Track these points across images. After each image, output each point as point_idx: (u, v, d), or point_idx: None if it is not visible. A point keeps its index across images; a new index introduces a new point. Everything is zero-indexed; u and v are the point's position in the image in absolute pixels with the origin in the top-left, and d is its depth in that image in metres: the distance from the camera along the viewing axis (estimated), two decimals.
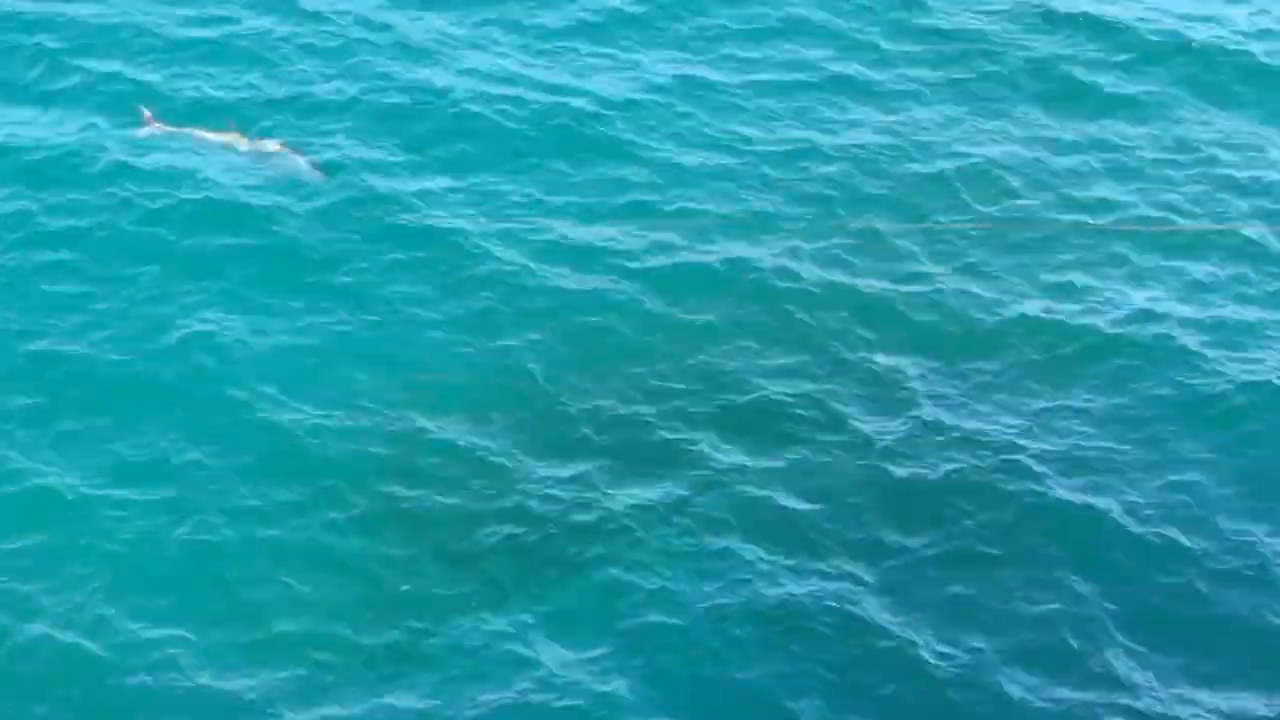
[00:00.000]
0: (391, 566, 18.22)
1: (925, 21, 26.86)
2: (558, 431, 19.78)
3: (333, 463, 19.18)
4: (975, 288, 22.01)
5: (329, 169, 23.00)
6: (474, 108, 24.40)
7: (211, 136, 23.32)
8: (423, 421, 19.76)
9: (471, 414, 19.91)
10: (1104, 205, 23.40)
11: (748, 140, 24.24)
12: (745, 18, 26.74)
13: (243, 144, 23.24)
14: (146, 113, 23.69)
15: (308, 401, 19.90)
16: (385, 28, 26.12)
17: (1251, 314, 21.83)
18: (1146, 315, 21.67)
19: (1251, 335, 21.50)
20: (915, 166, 23.92)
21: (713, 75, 25.50)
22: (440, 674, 17.24)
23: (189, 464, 19.07)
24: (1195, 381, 20.73)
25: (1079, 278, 22.25)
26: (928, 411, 20.24)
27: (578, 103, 24.60)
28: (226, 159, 23.17)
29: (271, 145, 23.23)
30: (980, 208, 23.23)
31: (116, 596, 17.68)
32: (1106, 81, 25.74)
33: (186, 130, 23.50)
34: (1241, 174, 24.00)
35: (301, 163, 23.02)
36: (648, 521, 18.74)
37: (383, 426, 19.69)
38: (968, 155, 24.17)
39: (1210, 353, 21.12)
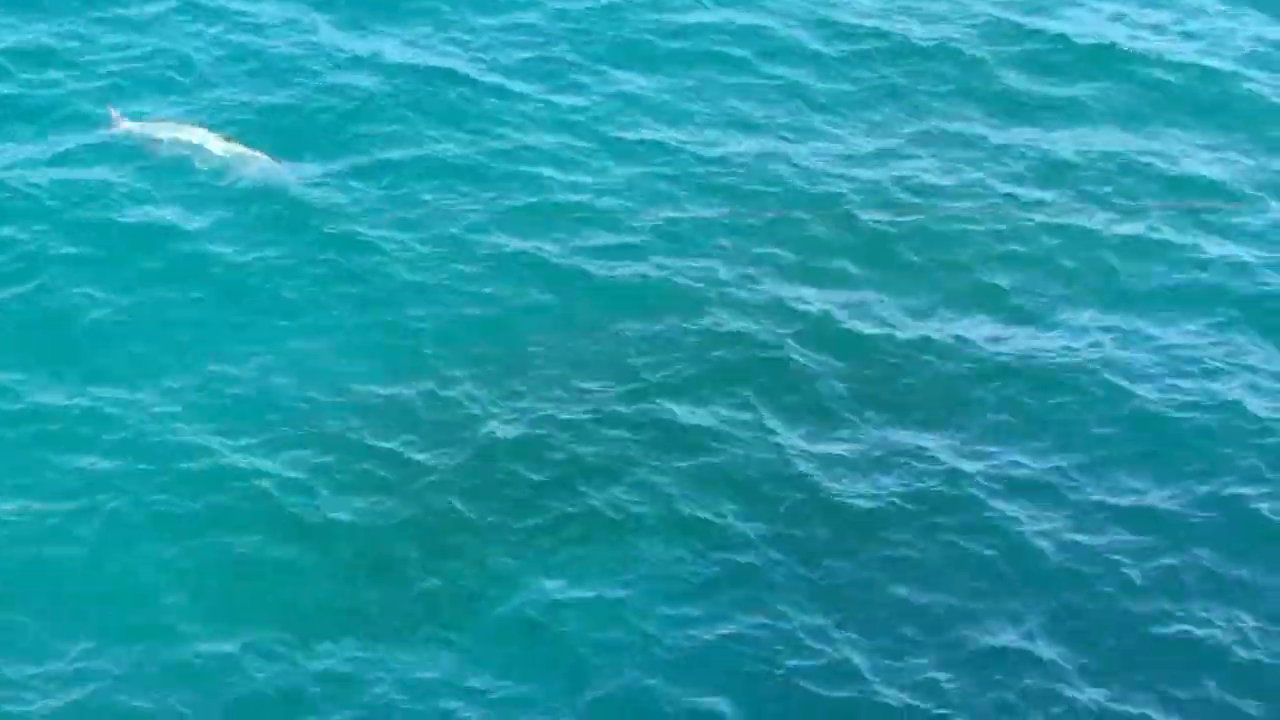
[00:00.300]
0: (300, 579, 17.95)
1: (852, 21, 26.80)
2: (476, 437, 19.57)
3: (239, 470, 18.95)
4: (907, 294, 21.96)
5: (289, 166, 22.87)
6: (391, 107, 24.27)
7: (181, 135, 22.96)
8: (335, 428, 19.56)
9: (387, 420, 19.72)
10: (1036, 203, 23.44)
11: (673, 142, 24.13)
12: (669, 19, 26.58)
13: (211, 143, 22.84)
14: (114, 112, 23.34)
15: (214, 407, 19.66)
16: (297, 22, 26.03)
17: (1184, 322, 21.78)
18: (1075, 321, 21.72)
19: (1184, 342, 21.47)
20: (841, 167, 23.88)
21: (636, 77, 25.45)
22: (355, 691, 17.00)
23: (90, 475, 18.82)
24: (1132, 392, 20.63)
25: (1011, 283, 22.20)
26: (857, 423, 20.11)
27: (497, 103, 24.50)
28: (156, 156, 22.92)
29: (239, 147, 22.86)
30: (910, 204, 23.20)
31: (10, 612, 17.42)
32: (1034, 83, 25.80)
33: (153, 129, 23.16)
34: (1164, 169, 24.16)
35: (268, 162, 22.73)
36: (568, 531, 18.61)
37: (293, 433, 19.46)
38: (897, 155, 24.19)
39: (1144, 360, 21.13)
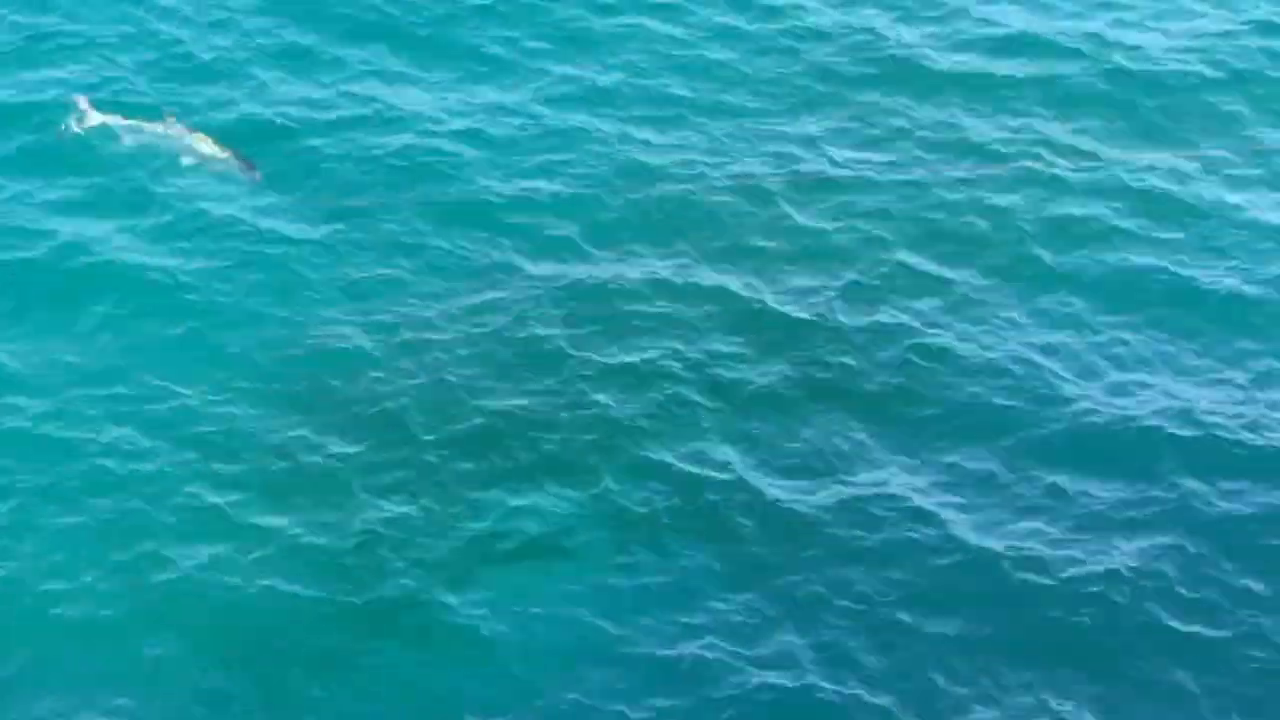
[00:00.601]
0: (228, 579, 17.77)
1: (776, 2, 26.78)
2: (406, 435, 19.45)
3: (141, 473, 18.76)
4: (834, 276, 21.89)
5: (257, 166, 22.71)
6: (318, 100, 24.16)
7: (147, 127, 22.78)
8: (241, 421, 19.41)
9: (316, 418, 19.59)
10: (960, 181, 23.48)
11: (596, 123, 24.05)
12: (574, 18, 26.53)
13: (175, 136, 22.65)
14: (81, 99, 23.04)
15: (119, 409, 19.41)
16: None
17: (1114, 306, 21.76)
18: (1003, 303, 21.74)
19: (1114, 332, 21.41)
20: (766, 148, 23.85)
21: (558, 51, 25.42)
22: (284, 690, 16.91)
23: (9, 480, 18.61)
24: (1062, 377, 20.66)
25: (939, 265, 22.22)
26: (787, 411, 20.06)
27: (422, 91, 24.40)
28: (124, 148, 22.74)
29: (205, 141, 22.67)
30: (836, 184, 23.18)
31: None
32: (955, 63, 25.85)
33: (118, 119, 22.91)
34: (1084, 147, 24.27)
35: (232, 160, 22.55)
36: (502, 526, 18.51)
37: (196, 428, 19.30)
38: (821, 136, 24.17)
39: (1075, 346, 21.12)
